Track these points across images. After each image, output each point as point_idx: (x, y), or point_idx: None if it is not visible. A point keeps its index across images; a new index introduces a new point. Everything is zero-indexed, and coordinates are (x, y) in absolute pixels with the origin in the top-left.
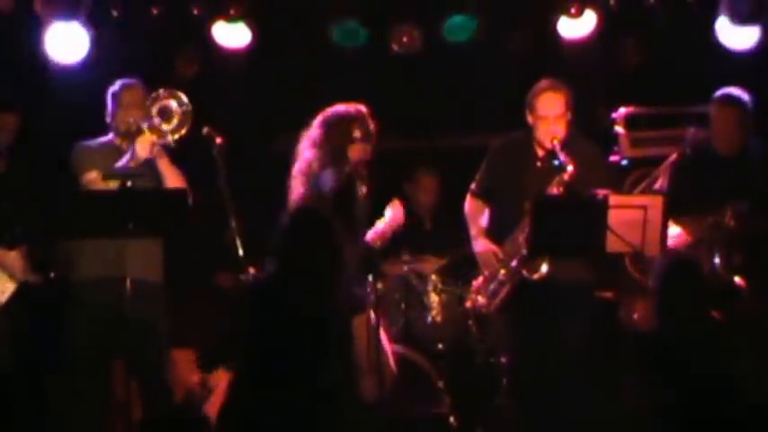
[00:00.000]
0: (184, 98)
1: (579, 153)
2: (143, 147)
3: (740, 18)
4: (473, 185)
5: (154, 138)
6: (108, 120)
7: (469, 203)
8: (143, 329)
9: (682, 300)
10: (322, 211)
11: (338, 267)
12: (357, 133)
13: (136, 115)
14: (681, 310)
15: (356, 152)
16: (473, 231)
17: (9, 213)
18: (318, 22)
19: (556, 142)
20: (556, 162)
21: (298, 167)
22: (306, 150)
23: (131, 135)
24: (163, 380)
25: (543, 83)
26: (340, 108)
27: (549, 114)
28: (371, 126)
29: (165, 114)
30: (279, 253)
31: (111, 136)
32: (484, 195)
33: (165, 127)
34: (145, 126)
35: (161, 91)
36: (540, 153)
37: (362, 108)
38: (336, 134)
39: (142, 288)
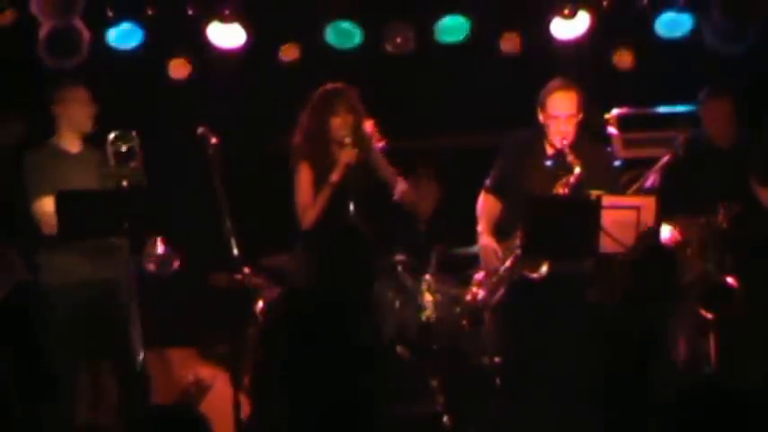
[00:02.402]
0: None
1: (587, 154)
2: None
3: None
4: (487, 181)
5: None
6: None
7: (482, 199)
8: (122, 328)
9: None
10: None
11: None
12: (338, 105)
13: (83, 113)
14: None
15: (338, 124)
16: (480, 227)
17: (3, 213)
18: (313, 22)
19: (565, 143)
20: (549, 162)
21: None
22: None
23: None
24: (140, 378)
25: (556, 82)
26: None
27: (561, 114)
28: (356, 101)
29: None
30: None
31: (53, 139)
32: (498, 191)
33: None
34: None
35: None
36: (550, 152)
37: (348, 86)
38: (317, 107)
39: (123, 287)
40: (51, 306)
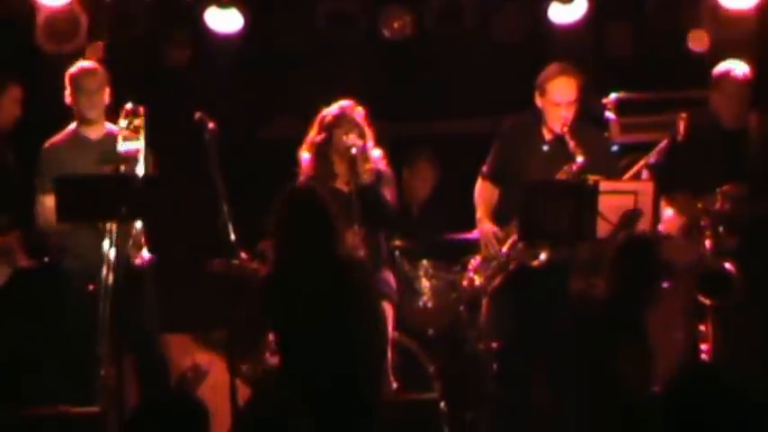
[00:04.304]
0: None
1: (586, 140)
2: None
3: None
4: (484, 168)
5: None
6: (68, 103)
7: (479, 186)
8: (135, 311)
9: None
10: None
11: None
12: (343, 119)
13: (98, 101)
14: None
15: (341, 134)
16: (479, 213)
17: (3, 198)
18: (310, 7)
19: (566, 130)
20: (545, 148)
21: None
22: None
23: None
24: (159, 360)
25: (557, 67)
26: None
27: (562, 100)
28: (362, 119)
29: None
30: None
31: (74, 125)
32: (494, 178)
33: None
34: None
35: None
36: (548, 137)
37: (355, 104)
38: (323, 122)
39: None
40: (70, 290)
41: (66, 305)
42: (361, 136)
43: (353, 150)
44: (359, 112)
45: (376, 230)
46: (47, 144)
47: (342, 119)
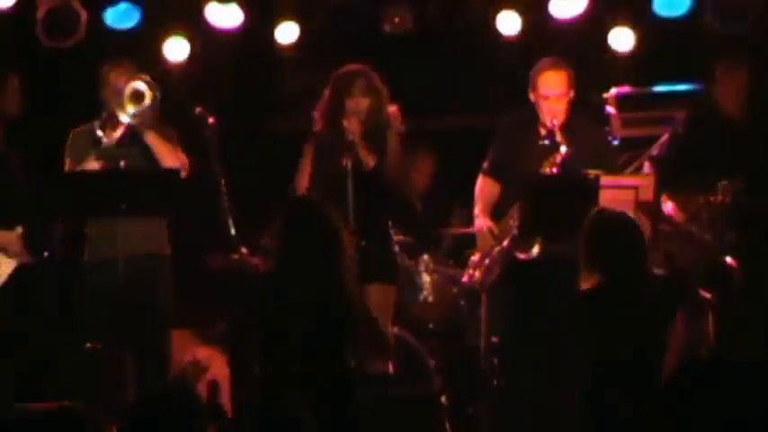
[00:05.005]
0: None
1: (584, 134)
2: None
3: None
4: (485, 164)
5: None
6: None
7: (480, 182)
8: (140, 309)
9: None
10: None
11: None
12: (354, 87)
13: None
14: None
15: (352, 106)
16: (477, 209)
17: (5, 194)
18: (311, 2)
19: (555, 122)
20: (547, 142)
21: None
22: None
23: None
24: (159, 360)
25: (546, 61)
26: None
27: (551, 94)
28: (376, 83)
29: (137, 97)
30: None
31: (105, 115)
32: (495, 174)
33: (136, 108)
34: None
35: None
36: (543, 131)
37: (368, 68)
38: (335, 87)
39: (139, 267)
40: (87, 282)
41: (80, 296)
42: (377, 97)
43: (350, 137)
44: (372, 75)
45: (379, 209)
46: (75, 130)
47: (351, 83)
